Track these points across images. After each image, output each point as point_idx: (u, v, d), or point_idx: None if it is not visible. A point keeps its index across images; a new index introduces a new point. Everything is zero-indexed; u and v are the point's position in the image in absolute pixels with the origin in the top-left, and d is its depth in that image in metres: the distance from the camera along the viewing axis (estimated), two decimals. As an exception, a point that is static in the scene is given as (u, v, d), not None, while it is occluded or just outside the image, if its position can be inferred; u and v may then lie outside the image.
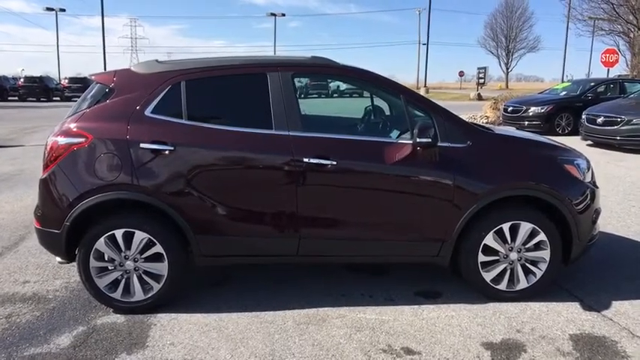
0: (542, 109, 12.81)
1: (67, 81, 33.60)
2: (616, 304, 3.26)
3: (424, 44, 52.37)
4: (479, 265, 3.23)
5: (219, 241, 3.13)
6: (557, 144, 3.55)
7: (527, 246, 3.23)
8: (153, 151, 3.00)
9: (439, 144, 3.10)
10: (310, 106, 4.17)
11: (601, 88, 13.54)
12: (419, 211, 3.14)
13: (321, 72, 3.43)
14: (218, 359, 2.66)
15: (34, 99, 30.80)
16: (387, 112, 3.84)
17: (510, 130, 4.45)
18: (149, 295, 3.12)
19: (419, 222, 3.16)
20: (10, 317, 3.10)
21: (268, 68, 3.17)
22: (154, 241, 3.05)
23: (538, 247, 3.24)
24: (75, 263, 3.19)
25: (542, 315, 3.13)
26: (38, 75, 33.01)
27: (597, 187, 3.44)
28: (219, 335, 2.89)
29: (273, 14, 55.60)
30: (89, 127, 3.03)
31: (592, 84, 13.66)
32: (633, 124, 9.56)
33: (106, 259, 3.09)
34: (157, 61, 3.32)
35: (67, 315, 3.13)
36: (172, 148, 3.00)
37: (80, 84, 32.85)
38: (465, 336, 2.88)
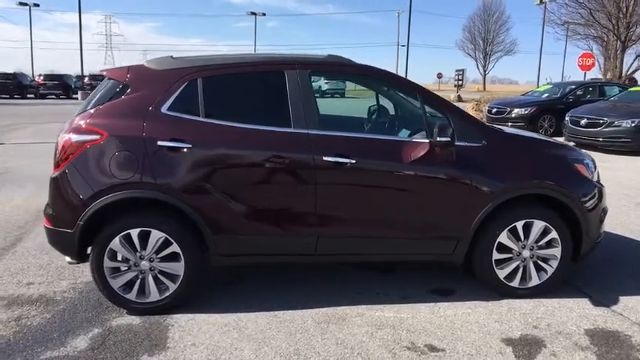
0: (525, 110, 13.10)
1: (41, 78, 32.65)
2: (624, 300, 3.35)
3: (403, 46, 52.82)
4: (493, 262, 3.28)
5: (236, 241, 3.09)
6: (565, 144, 3.63)
7: (539, 244, 3.30)
8: (170, 148, 2.95)
9: (456, 143, 3.13)
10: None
11: (581, 91, 13.92)
12: (436, 209, 3.17)
13: (338, 70, 3.42)
14: (243, 359, 2.63)
15: (7, 96, 29.82)
16: (398, 112, 3.86)
17: (518, 131, 4.52)
18: (165, 296, 3.07)
19: (436, 220, 3.19)
20: (20, 320, 3.00)
21: (286, 66, 3.15)
22: (171, 240, 2.99)
23: (549, 244, 3.31)
24: (80, 263, 3.14)
25: (556, 311, 3.19)
26: (12, 71, 31.98)
27: (603, 186, 3.53)
28: (240, 335, 2.86)
29: (253, 13, 55.25)
30: (104, 123, 2.96)
31: (572, 87, 14.03)
32: (615, 126, 9.86)
33: (121, 259, 3.02)
34: (171, 57, 3.26)
35: (78, 317, 3.05)
36: (190, 146, 2.95)
37: (56, 81, 32.10)
38: (484, 332, 2.92)
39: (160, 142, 2.93)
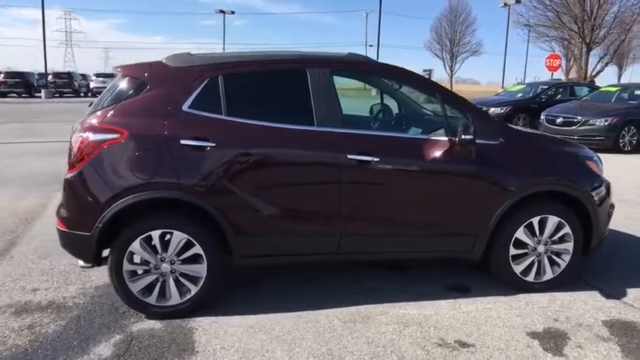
0: (501, 109, 13.46)
1: (2, 76, 31.19)
2: (632, 292, 3.47)
3: (371, 46, 53.45)
4: (510, 258, 3.34)
5: (260, 241, 3.04)
6: (575, 142, 3.73)
7: (553, 239, 3.38)
8: (194, 147, 2.87)
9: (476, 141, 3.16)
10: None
11: (552, 91, 14.40)
12: (457, 206, 3.20)
13: (359, 69, 3.41)
14: (277, 361, 2.58)
15: (-34, 95, 28.45)
16: (409, 110, 3.88)
17: (529, 129, 4.63)
18: (186, 299, 2.98)
19: (456, 218, 3.23)
20: (33, 328, 2.85)
21: (307, 64, 3.12)
22: (193, 241, 2.91)
23: (562, 239, 3.40)
24: (92, 268, 3.04)
25: (571, 304, 3.28)
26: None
27: (610, 182, 3.65)
28: (268, 337, 2.81)
29: (222, 11, 54.61)
30: (123, 122, 2.85)
31: (545, 87, 14.51)
32: (589, 125, 10.24)
33: (140, 261, 2.92)
34: (189, 54, 3.17)
35: (95, 323, 2.92)
36: (214, 145, 2.88)
37: (17, 79, 30.87)
38: (508, 327, 2.97)
39: (182, 141, 2.85)
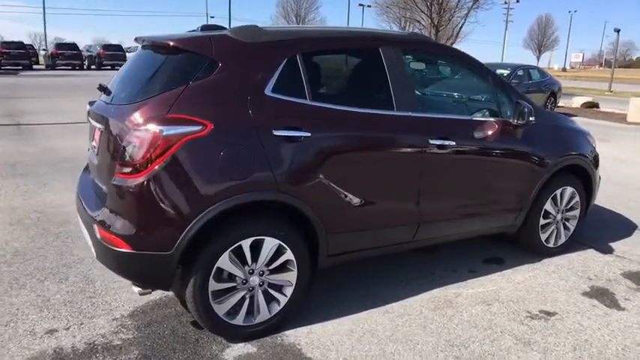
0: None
1: None
2: (616, 246, 4.06)
3: (212, 17, 51.53)
4: (540, 227, 3.66)
5: (347, 238, 2.79)
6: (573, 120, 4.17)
7: (567, 207, 3.79)
8: (287, 139, 2.46)
9: None
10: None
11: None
12: (511, 183, 3.37)
13: (426, 49, 3.27)
14: (411, 363, 2.44)
15: None
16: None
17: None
18: (275, 312, 2.62)
19: (510, 194, 3.39)
20: (100, 382, 2.21)
21: (380, 43, 2.89)
22: (285, 247, 2.54)
23: (572, 207, 3.83)
24: (142, 294, 2.47)
25: (586, 262, 3.74)
26: None
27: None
28: (378, 339, 2.63)
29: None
30: (203, 111, 2.30)
31: (416, 65, 15.78)
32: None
33: (228, 277, 2.45)
34: (257, 27, 2.67)
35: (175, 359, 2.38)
36: (309, 135, 2.51)
37: None
38: (564, 290, 3.27)
39: (275, 132, 2.42)
